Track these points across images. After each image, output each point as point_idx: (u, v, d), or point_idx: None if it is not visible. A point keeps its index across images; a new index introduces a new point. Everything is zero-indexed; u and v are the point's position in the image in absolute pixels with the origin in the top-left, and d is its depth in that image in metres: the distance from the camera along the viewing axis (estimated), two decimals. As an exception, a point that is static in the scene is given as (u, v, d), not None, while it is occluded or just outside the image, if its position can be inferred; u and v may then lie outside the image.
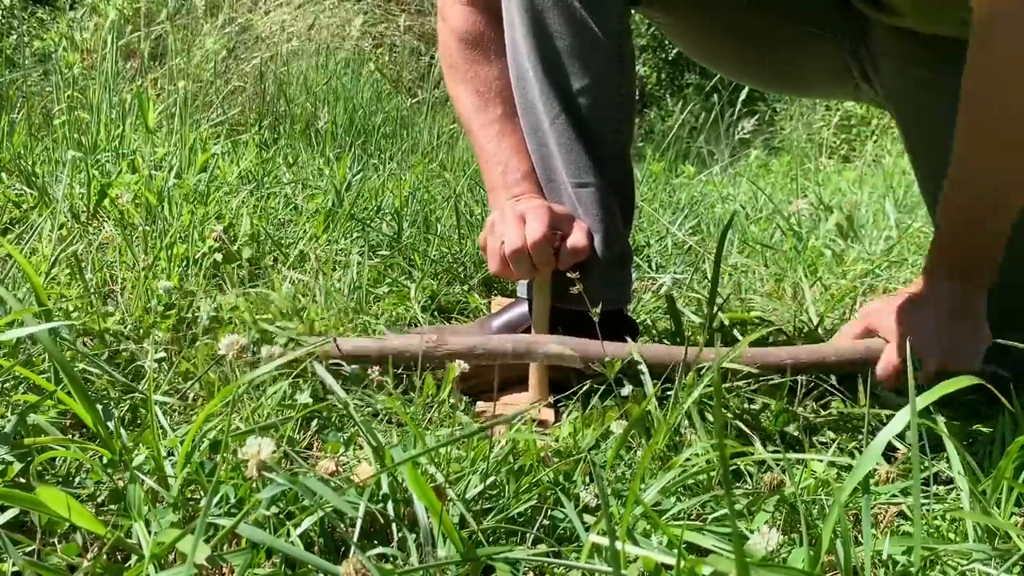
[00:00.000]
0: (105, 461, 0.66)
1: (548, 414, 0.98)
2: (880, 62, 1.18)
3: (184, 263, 1.28)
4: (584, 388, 0.96)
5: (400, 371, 0.96)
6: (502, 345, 0.95)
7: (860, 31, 1.18)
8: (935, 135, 1.14)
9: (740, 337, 1.16)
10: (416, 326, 1.25)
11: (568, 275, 0.97)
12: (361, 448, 0.80)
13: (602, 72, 1.05)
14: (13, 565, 0.56)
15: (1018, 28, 0.85)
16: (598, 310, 0.93)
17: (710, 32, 1.24)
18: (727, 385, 0.92)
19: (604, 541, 0.55)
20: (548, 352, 0.95)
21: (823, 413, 0.95)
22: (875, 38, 1.17)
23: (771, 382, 0.93)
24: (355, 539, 0.58)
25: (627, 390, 0.92)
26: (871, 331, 0.97)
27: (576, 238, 1.01)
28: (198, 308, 1.07)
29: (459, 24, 1.11)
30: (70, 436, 0.75)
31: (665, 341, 1.23)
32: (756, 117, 3.53)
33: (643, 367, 0.89)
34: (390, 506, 0.63)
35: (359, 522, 0.59)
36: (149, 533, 0.58)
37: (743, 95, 3.68)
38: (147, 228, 1.40)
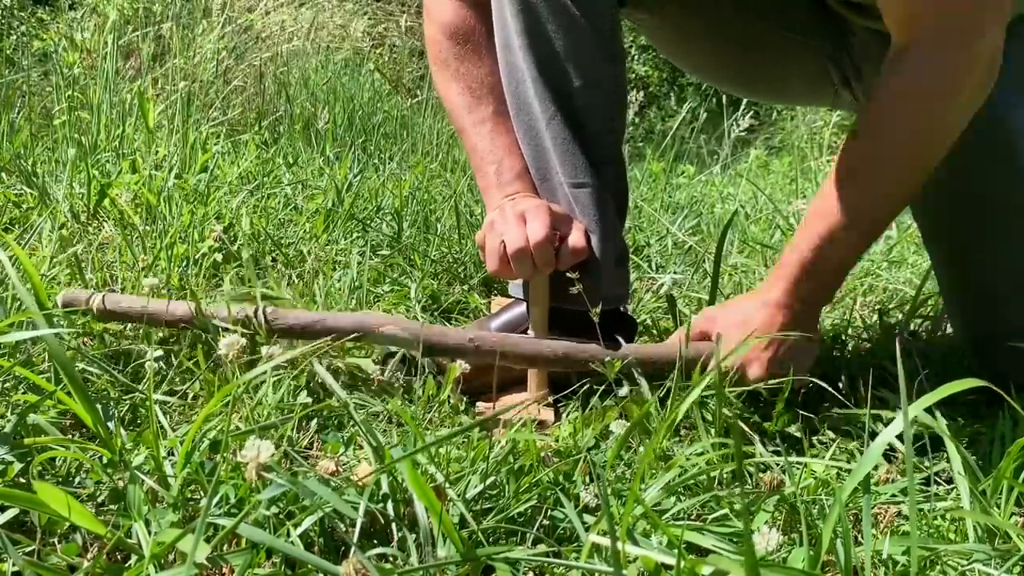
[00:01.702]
0: (105, 461, 0.66)
1: (548, 414, 0.98)
2: (863, 68, 1.18)
3: (184, 263, 1.28)
4: (584, 388, 0.96)
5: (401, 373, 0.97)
6: (339, 321, 0.96)
7: (842, 37, 1.18)
8: None
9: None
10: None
11: (568, 275, 0.97)
12: (361, 448, 0.80)
13: (596, 72, 1.05)
14: (13, 565, 0.56)
15: (922, 65, 0.88)
16: (598, 309, 0.93)
17: (693, 36, 1.24)
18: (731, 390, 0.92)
19: (604, 541, 0.55)
20: (383, 332, 0.95)
21: (823, 413, 0.95)
22: (857, 44, 1.17)
23: (769, 384, 0.93)
24: (355, 539, 0.58)
25: (625, 390, 0.92)
26: (706, 335, 0.98)
27: (575, 238, 1.01)
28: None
29: (447, 19, 1.11)
30: (70, 436, 0.75)
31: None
32: (751, 114, 3.52)
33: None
34: (390, 506, 0.63)
35: (359, 522, 0.59)
36: (149, 533, 0.58)
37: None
38: (147, 228, 1.40)
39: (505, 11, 1.04)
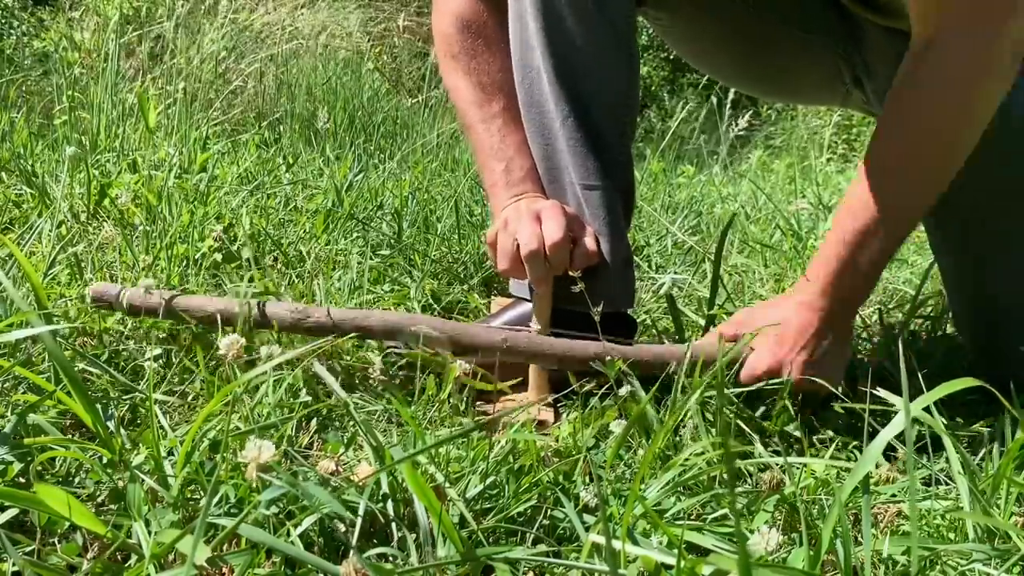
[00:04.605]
0: (105, 461, 0.66)
1: (548, 414, 0.98)
2: (874, 67, 1.18)
3: (184, 263, 1.28)
4: (584, 388, 0.96)
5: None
6: (369, 320, 0.95)
7: (854, 36, 1.18)
8: None
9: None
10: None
11: (572, 274, 0.97)
12: (361, 448, 0.80)
13: (613, 73, 1.04)
14: (13, 565, 0.56)
15: (953, 52, 0.86)
16: (599, 309, 0.93)
17: (710, 35, 1.24)
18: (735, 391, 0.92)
19: (604, 541, 0.55)
20: (415, 332, 0.94)
21: (823, 413, 0.95)
22: (869, 43, 1.17)
23: (771, 383, 0.93)
24: (355, 539, 0.58)
25: (625, 389, 0.92)
26: (739, 337, 0.97)
27: (588, 241, 1.00)
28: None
29: (459, 11, 1.09)
30: (70, 436, 0.75)
31: (665, 341, 1.23)
32: (750, 113, 3.53)
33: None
34: (390, 506, 0.63)
35: (359, 522, 0.59)
36: (149, 533, 0.58)
37: (743, 95, 3.68)
38: (147, 228, 1.40)
39: (525, 7, 1.02)
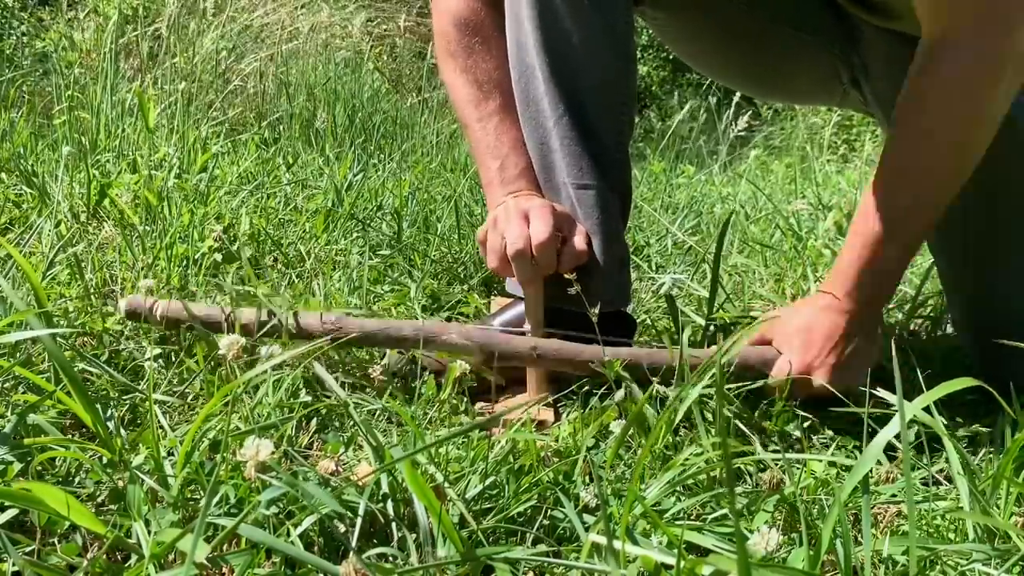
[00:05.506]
0: (105, 461, 0.66)
1: (548, 414, 0.98)
2: (872, 68, 1.18)
3: (184, 263, 1.28)
4: (584, 388, 0.96)
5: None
6: (401, 330, 0.95)
7: (851, 36, 1.18)
8: None
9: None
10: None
11: (566, 276, 0.97)
12: (361, 448, 0.80)
13: (609, 72, 1.04)
14: (13, 565, 0.56)
15: (964, 51, 0.86)
16: (597, 310, 0.93)
17: (707, 34, 1.23)
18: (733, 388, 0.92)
19: (604, 541, 0.55)
20: (447, 341, 0.95)
21: (823, 413, 0.95)
22: (866, 44, 1.17)
23: (770, 381, 0.93)
24: (355, 539, 0.58)
25: (622, 392, 0.92)
26: (767, 341, 0.97)
27: (577, 241, 1.00)
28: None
29: (457, 10, 1.09)
30: (70, 436, 0.75)
31: (665, 340, 1.23)
32: (749, 114, 3.53)
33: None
34: (390, 506, 0.63)
35: (359, 522, 0.59)
36: (149, 533, 0.58)
37: (741, 95, 3.68)
38: (147, 228, 1.40)
39: (521, 6, 1.02)
